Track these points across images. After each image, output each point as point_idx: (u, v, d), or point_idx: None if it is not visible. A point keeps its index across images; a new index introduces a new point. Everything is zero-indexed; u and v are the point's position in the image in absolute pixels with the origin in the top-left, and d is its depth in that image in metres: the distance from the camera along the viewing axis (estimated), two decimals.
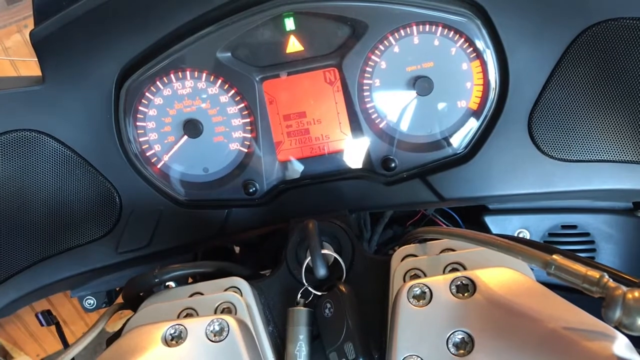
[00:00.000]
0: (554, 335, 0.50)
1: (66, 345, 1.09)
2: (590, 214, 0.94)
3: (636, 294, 0.42)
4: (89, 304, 1.01)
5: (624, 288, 0.43)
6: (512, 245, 0.53)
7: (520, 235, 0.95)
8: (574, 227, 0.95)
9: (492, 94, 0.85)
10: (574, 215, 0.95)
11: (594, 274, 0.46)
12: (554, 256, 0.49)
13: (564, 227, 0.95)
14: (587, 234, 0.95)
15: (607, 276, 0.45)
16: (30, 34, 0.80)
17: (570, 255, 0.58)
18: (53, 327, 1.07)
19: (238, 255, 1.23)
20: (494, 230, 0.96)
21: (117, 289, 1.03)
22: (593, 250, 0.95)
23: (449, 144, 0.87)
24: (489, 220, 0.96)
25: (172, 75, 0.86)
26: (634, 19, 0.77)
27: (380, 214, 1.02)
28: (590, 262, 0.57)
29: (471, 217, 1.00)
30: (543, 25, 0.80)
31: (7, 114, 0.83)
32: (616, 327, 0.44)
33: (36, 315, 1.05)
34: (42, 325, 1.05)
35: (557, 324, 0.51)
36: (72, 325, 2.57)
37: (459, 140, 0.87)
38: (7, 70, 2.25)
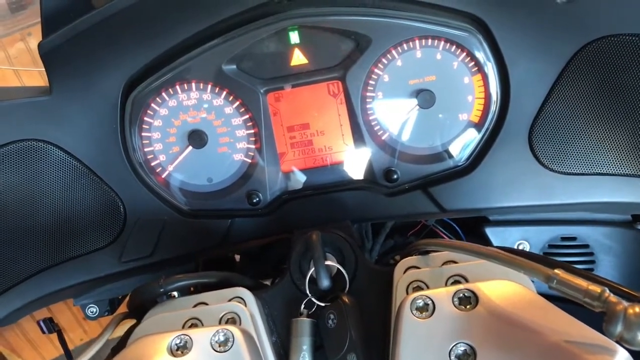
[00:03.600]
0: (555, 348, 0.51)
1: (67, 352, 1.10)
2: (589, 226, 0.95)
3: (637, 309, 0.43)
4: (92, 312, 1.02)
5: (625, 303, 0.44)
6: (514, 258, 0.54)
7: (520, 247, 0.96)
8: (574, 239, 0.96)
9: (494, 107, 0.86)
10: (573, 227, 0.96)
11: (596, 288, 0.47)
12: (556, 270, 0.50)
13: (563, 238, 0.96)
14: (587, 246, 0.96)
15: (608, 291, 0.46)
16: (39, 45, 0.81)
17: (572, 269, 0.59)
18: (52, 335, 1.07)
19: (239, 265, 1.24)
20: (494, 242, 0.96)
21: (120, 297, 1.03)
22: (592, 262, 0.96)
23: (451, 156, 0.89)
24: (490, 231, 0.96)
25: (177, 87, 0.87)
26: (633, 35, 0.78)
27: (382, 224, 1.03)
28: (591, 276, 0.58)
29: (472, 228, 1.01)
30: (544, 40, 0.81)
31: (15, 124, 0.84)
32: (617, 342, 0.45)
33: (38, 323, 1.06)
34: (43, 332, 1.06)
35: (559, 337, 0.52)
36: (71, 332, 2.56)
37: (460, 152, 0.89)
38: (11, 78, 2.26)
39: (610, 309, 0.44)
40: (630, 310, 0.43)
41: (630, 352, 0.48)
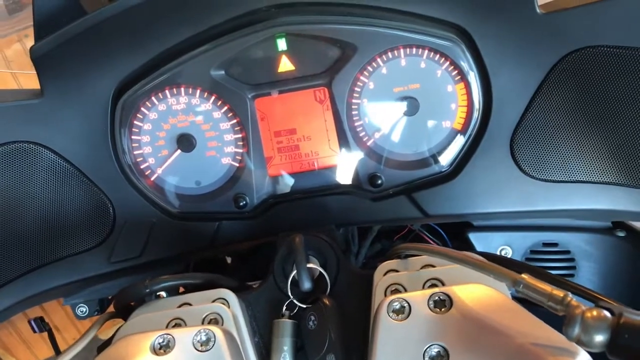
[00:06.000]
0: (521, 350, 0.53)
1: (58, 352, 1.11)
2: (570, 233, 0.97)
3: (594, 312, 0.44)
4: (81, 311, 1.03)
5: (584, 307, 0.46)
6: (484, 263, 0.56)
7: (503, 252, 0.98)
8: (555, 244, 0.98)
9: (476, 115, 0.88)
10: (554, 234, 0.97)
11: (559, 293, 0.49)
12: (523, 275, 0.52)
13: (545, 244, 0.98)
14: (568, 252, 0.97)
15: (570, 295, 0.48)
16: (31, 49, 0.83)
17: (543, 273, 0.61)
18: (45, 334, 1.08)
19: (229, 266, 1.25)
20: (477, 247, 0.98)
21: (109, 297, 1.05)
22: (573, 267, 0.98)
23: (434, 163, 0.90)
24: (473, 236, 0.98)
25: (167, 91, 0.88)
26: (611, 46, 0.80)
27: (368, 229, 1.05)
28: (562, 281, 0.60)
29: (457, 233, 1.02)
30: (525, 51, 0.83)
31: (6, 126, 0.86)
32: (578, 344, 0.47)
33: (29, 322, 1.07)
34: (34, 331, 1.07)
35: (525, 339, 0.53)
36: (65, 332, 2.58)
37: (444, 159, 0.90)
38: (7, 79, 2.28)
39: (569, 312, 0.46)
40: (588, 314, 0.44)
41: (591, 354, 0.49)
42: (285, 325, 0.75)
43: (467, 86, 0.87)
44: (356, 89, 0.88)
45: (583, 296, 0.55)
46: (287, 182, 0.93)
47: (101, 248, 0.91)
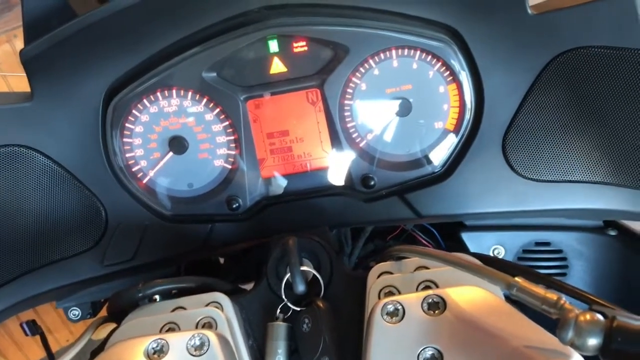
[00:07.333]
0: (515, 353, 0.53)
1: (50, 355, 1.10)
2: (562, 232, 0.98)
3: (587, 316, 0.45)
4: (74, 314, 1.03)
5: (577, 310, 0.46)
6: (477, 266, 0.56)
7: (495, 252, 0.98)
8: (547, 244, 0.98)
9: (468, 116, 0.88)
10: (547, 233, 0.98)
11: (552, 296, 0.49)
12: (517, 278, 0.52)
13: (537, 244, 0.98)
14: (560, 251, 0.98)
15: (564, 298, 0.48)
16: (20, 52, 0.82)
17: (537, 275, 0.61)
18: (38, 336, 1.08)
19: (222, 267, 1.25)
20: (470, 246, 0.99)
21: (102, 300, 1.04)
22: (565, 266, 0.98)
23: (427, 163, 0.90)
24: (466, 236, 0.98)
25: (158, 94, 0.88)
26: (601, 47, 0.80)
27: (361, 229, 1.05)
28: (556, 282, 0.60)
29: (450, 232, 1.03)
30: (516, 51, 0.83)
31: None
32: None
33: (21, 325, 1.06)
34: (26, 335, 1.06)
35: (519, 342, 0.54)
36: (57, 333, 2.57)
37: (436, 159, 0.90)
38: None
39: (563, 315, 0.46)
40: (581, 318, 0.45)
41: (585, 357, 0.50)
42: (279, 329, 0.75)
43: (459, 87, 0.87)
44: (348, 90, 0.88)
45: (577, 298, 0.55)
46: (280, 183, 0.92)
47: (94, 251, 0.91)
